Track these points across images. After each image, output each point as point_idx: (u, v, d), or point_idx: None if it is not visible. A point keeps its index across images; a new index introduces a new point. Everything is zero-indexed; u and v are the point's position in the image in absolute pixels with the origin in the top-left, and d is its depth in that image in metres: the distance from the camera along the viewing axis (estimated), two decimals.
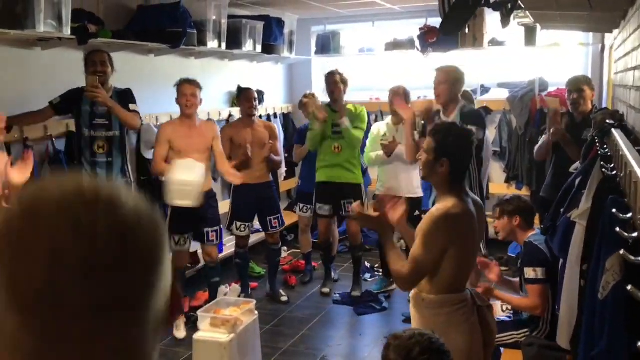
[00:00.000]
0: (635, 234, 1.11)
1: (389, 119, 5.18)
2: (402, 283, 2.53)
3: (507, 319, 3.50)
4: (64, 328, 0.58)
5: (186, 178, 4.04)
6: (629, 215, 1.26)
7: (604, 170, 1.97)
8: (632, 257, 0.98)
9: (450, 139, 2.50)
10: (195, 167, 4.13)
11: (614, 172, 1.87)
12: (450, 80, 4.13)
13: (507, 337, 3.35)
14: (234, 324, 3.46)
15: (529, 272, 3.22)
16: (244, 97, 5.10)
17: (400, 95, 4.90)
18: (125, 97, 4.26)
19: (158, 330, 0.65)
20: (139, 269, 0.62)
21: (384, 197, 2.72)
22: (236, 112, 6.07)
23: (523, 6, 2.73)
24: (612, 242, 1.43)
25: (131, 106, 4.21)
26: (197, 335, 3.57)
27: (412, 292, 2.60)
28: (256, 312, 3.84)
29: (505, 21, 2.79)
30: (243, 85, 5.63)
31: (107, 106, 4.00)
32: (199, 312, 3.70)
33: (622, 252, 1.02)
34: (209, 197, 4.57)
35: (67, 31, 3.78)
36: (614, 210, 1.31)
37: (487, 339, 2.54)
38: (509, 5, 2.65)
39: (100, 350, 0.60)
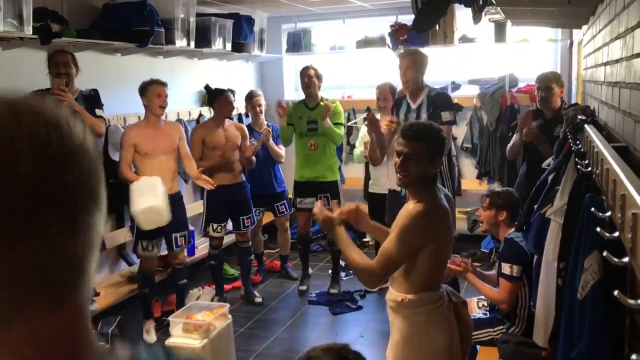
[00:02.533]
0: (616, 234, 1.09)
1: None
2: (369, 278, 2.46)
3: (483, 316, 3.50)
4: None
5: (149, 204, 3.95)
6: (608, 213, 1.23)
7: (578, 167, 1.96)
8: (615, 259, 0.96)
9: (440, 138, 2.47)
10: (155, 186, 4.02)
11: (589, 169, 1.85)
12: (417, 65, 4.09)
13: (483, 334, 3.35)
14: (206, 329, 3.39)
15: (505, 268, 3.23)
16: (224, 101, 4.95)
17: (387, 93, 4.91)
18: (92, 101, 4.16)
19: (95, 249, 0.62)
20: (81, 175, 0.60)
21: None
22: (206, 112, 5.99)
23: (494, 2, 2.71)
24: (591, 241, 1.41)
25: (97, 111, 4.12)
26: (169, 342, 3.48)
27: (389, 293, 2.56)
28: (230, 316, 3.76)
29: (477, 17, 2.77)
30: (213, 84, 5.51)
31: (73, 110, 3.88)
32: (170, 318, 3.62)
33: (605, 254, 0.99)
34: (176, 201, 4.48)
35: (28, 30, 3.65)
36: (592, 209, 1.29)
37: (464, 335, 2.54)
38: (480, 2, 2.63)
39: (34, 256, 0.56)
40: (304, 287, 5.45)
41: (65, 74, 3.93)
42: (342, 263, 5.88)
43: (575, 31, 5.41)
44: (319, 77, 5.24)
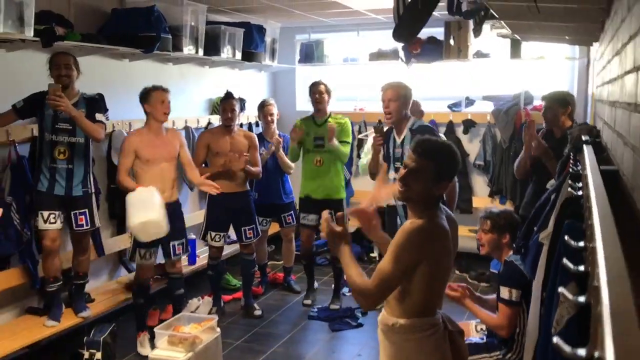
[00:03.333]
0: (581, 267, 0.98)
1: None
2: (366, 299, 2.30)
3: (480, 341, 3.36)
4: None
5: (145, 218, 3.93)
6: (581, 243, 1.12)
7: (571, 189, 1.85)
8: (570, 296, 0.85)
9: (453, 161, 2.31)
10: (151, 198, 3.98)
11: (580, 193, 1.74)
12: (400, 97, 4.05)
13: (480, 359, 3.21)
14: (192, 342, 3.30)
15: (504, 292, 3.11)
16: (222, 108, 5.00)
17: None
18: (93, 104, 4.13)
19: None
20: None
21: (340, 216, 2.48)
22: (215, 120, 5.95)
23: (496, 15, 2.61)
24: (566, 272, 1.30)
25: (97, 116, 4.09)
26: (152, 354, 3.40)
27: (380, 315, 2.44)
28: (218, 330, 3.68)
29: (477, 30, 2.67)
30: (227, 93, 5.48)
31: (70, 115, 3.87)
32: (156, 329, 3.53)
33: (560, 289, 0.89)
34: (175, 209, 4.43)
35: (29, 32, 3.63)
36: (566, 237, 1.18)
37: None
38: (482, 14, 2.53)
39: None
40: (308, 302, 5.36)
41: (66, 76, 3.92)
42: (345, 278, 5.78)
43: (592, 49, 5.27)
44: (328, 92, 5.20)
